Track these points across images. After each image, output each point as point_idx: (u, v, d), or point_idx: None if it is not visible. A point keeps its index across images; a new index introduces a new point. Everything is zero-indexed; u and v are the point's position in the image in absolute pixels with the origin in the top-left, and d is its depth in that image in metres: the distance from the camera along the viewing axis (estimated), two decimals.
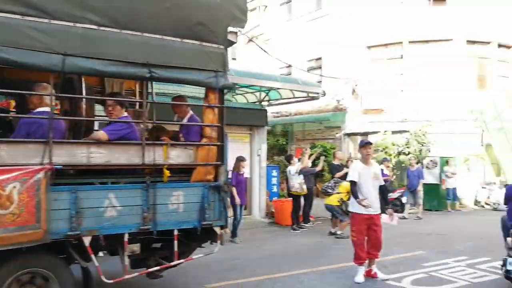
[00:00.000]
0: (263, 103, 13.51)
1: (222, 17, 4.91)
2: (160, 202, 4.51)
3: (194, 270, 6.75)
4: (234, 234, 9.35)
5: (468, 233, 10.48)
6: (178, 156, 4.75)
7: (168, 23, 4.59)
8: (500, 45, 17.83)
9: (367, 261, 6.43)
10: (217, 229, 4.91)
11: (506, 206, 6.81)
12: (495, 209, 15.03)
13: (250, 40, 19.97)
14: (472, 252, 8.17)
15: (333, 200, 10.00)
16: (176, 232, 4.66)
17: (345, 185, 9.63)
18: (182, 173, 4.85)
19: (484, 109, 16.19)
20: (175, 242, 4.68)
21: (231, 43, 5.07)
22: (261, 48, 18.22)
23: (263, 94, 13.11)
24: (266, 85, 11.74)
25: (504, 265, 5.76)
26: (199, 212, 4.73)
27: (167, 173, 4.58)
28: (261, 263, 7.38)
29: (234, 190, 9.31)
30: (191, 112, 5.47)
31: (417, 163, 14.78)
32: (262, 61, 22.18)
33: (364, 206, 6.16)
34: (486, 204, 15.91)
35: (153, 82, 5.67)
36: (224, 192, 4.92)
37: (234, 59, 17.55)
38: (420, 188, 13.52)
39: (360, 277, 6.23)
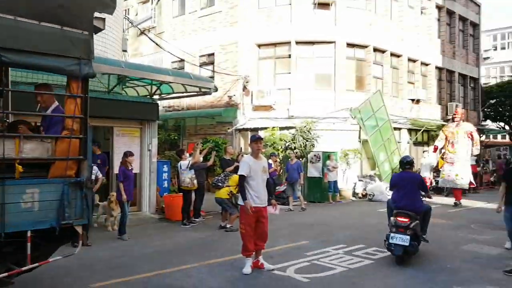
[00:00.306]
0: (154, 96, 13.29)
1: (86, 0, 4.65)
2: (10, 200, 4.15)
3: (77, 269, 6.50)
4: (122, 231, 9.12)
5: (346, 223, 11.33)
6: (33, 149, 4.41)
7: (23, 3, 4.21)
8: (375, 49, 19.49)
9: (254, 253, 6.68)
10: (79, 229, 4.63)
11: (391, 191, 8.16)
12: (370, 200, 16.48)
13: (142, 33, 19.47)
14: (349, 241, 8.85)
15: (223, 193, 10.23)
16: (29, 234, 4.33)
17: (235, 178, 9.89)
18: (40, 168, 4.52)
19: (361, 108, 17.56)
20: (28, 244, 4.34)
21: (98, 29, 4.81)
22: (153, 41, 17.94)
23: (154, 88, 12.90)
24: (158, 78, 11.56)
25: (387, 239, 7.17)
26: (57, 211, 4.44)
27: (19, 168, 4.23)
28: (150, 259, 7.32)
29: (121, 186, 9.10)
30: (56, 103, 5.06)
31: (301, 157, 15.63)
32: (155, 55, 21.83)
33: (247, 209, 6.39)
34: (363, 195, 17.34)
35: (16, 70, 5.12)
36: (87, 188, 4.68)
37: (124, 51, 16.92)
38: (301, 181, 14.18)
39: (247, 269, 6.46)
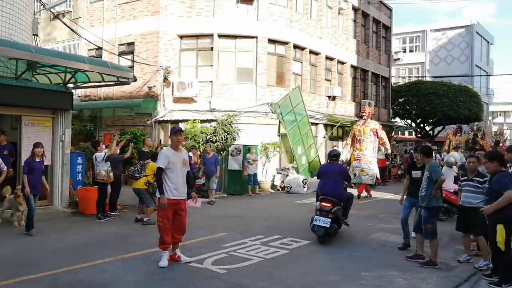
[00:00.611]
0: (68, 85, 12.64)
1: None
2: None
3: None
4: (29, 226, 8.59)
5: (264, 214, 11.58)
6: None
7: None
8: (295, 46, 20.03)
9: (171, 246, 6.64)
10: None
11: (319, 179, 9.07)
12: (288, 192, 16.97)
13: (56, 17, 18.39)
14: (266, 231, 9.06)
15: (140, 183, 10.08)
16: None
17: (151, 166, 9.81)
18: None
19: (281, 103, 17.99)
20: None
21: None
22: (68, 27, 17.04)
23: (68, 76, 12.24)
24: (73, 66, 10.97)
25: (312, 221, 8.18)
26: None
27: None
28: (61, 255, 7.01)
29: (25, 178, 8.56)
30: None
31: (222, 150, 15.71)
32: (70, 42, 20.73)
33: (162, 203, 6.36)
34: (281, 187, 17.82)
35: None
36: None
37: (35, 35, 15.85)
38: (217, 175, 14.19)
39: (164, 262, 6.41)
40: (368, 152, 15.99)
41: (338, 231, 8.61)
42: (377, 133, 16.11)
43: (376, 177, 16.79)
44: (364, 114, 16.64)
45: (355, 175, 15.83)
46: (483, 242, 6.74)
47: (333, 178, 8.59)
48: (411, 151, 25.82)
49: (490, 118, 49.40)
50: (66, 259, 6.73)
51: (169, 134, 6.91)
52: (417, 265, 6.85)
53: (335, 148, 14.26)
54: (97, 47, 18.97)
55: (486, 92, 43.60)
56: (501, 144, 19.06)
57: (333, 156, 9.08)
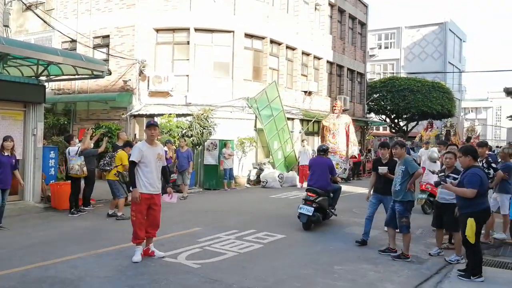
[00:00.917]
0: (41, 78, 12.38)
1: None
2: None
3: None
4: None
5: (239, 209, 11.61)
6: None
7: None
8: (272, 41, 20.07)
9: (145, 241, 6.61)
10: None
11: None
12: (263, 187, 17.05)
13: (28, 8, 17.97)
14: (241, 226, 9.10)
15: (111, 174, 10.06)
16: None
17: (119, 156, 9.88)
18: None
19: (258, 97, 18.02)
20: None
21: None
22: (41, 18, 16.68)
23: (41, 68, 12.00)
24: (45, 58, 10.79)
25: (299, 209, 8.94)
26: None
27: None
28: (32, 251, 6.88)
29: None
30: None
31: (198, 145, 15.64)
32: (43, 34, 20.29)
33: (135, 197, 6.34)
34: (257, 182, 17.89)
35: None
36: None
37: (6, 26, 15.49)
38: (190, 170, 14.05)
39: (137, 257, 6.37)
40: (342, 146, 16.15)
41: (322, 220, 9.28)
42: (348, 128, 16.34)
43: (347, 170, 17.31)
44: (335, 108, 16.67)
45: None
46: (459, 238, 6.89)
47: (320, 171, 9.36)
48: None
49: (462, 114, 50.52)
50: (37, 255, 6.63)
51: (144, 128, 6.82)
52: (389, 259, 6.99)
53: (324, 143, 15.02)
54: (71, 40, 18.63)
55: (458, 88, 44.57)
56: (472, 140, 19.49)
57: (322, 151, 9.88)
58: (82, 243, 7.42)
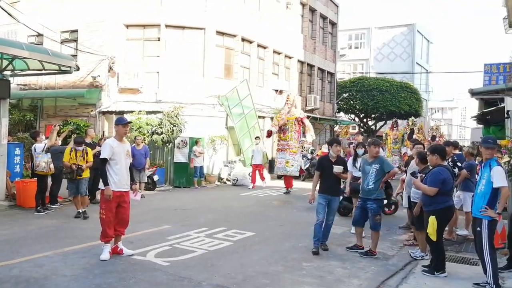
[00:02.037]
0: (5, 72, 12.04)
1: None
2: None
3: None
4: None
5: (210, 207, 11.59)
6: None
7: None
8: (243, 39, 20.09)
9: (113, 239, 6.54)
10: None
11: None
12: (234, 185, 17.08)
13: None
14: (211, 224, 9.10)
15: None
16: None
17: (67, 152, 9.81)
18: None
19: (229, 95, 18.02)
20: None
21: None
22: (5, 10, 16.13)
23: (5, 62, 11.67)
24: (9, 52, 10.48)
25: None
26: None
27: None
28: None
29: None
30: None
31: (168, 142, 15.51)
32: (8, 27, 19.67)
33: (107, 194, 6.30)
34: (228, 180, 17.90)
35: None
36: None
37: None
38: (147, 167, 13.70)
39: (106, 255, 6.30)
40: (293, 142, 15.01)
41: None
42: (302, 122, 15.16)
43: (301, 168, 16.64)
44: (287, 102, 15.45)
45: (278, 168, 15.07)
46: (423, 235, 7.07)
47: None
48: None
49: (429, 114, 51.80)
50: (1, 253, 6.45)
51: (115, 124, 6.75)
52: (357, 255, 7.12)
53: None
54: (37, 34, 18.16)
55: (425, 89, 45.69)
56: (437, 139, 20.01)
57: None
58: (48, 242, 7.28)
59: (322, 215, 7.23)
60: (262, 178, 16.59)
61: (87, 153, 10.02)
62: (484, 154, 5.84)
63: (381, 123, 34.93)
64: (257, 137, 17.24)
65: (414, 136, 18.97)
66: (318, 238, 7.22)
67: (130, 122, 6.74)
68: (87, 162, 9.95)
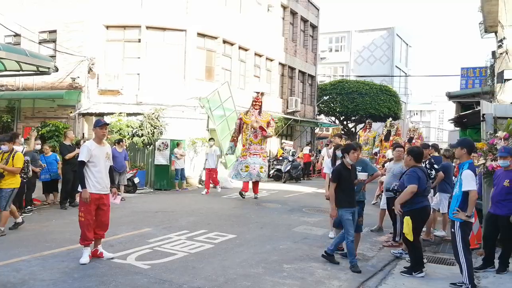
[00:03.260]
0: None
1: None
2: None
3: None
4: None
5: (191, 209, 11.54)
6: None
7: None
8: (224, 41, 20.10)
9: (93, 242, 6.48)
10: None
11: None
12: (215, 187, 16.99)
13: None
14: (192, 226, 9.08)
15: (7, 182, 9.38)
16: None
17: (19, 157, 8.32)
18: None
19: (210, 97, 17.99)
20: None
21: None
22: None
23: None
24: None
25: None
26: None
27: None
28: None
29: None
30: None
31: (149, 144, 15.38)
32: None
33: (85, 197, 6.24)
34: None
35: None
36: None
37: None
38: (128, 169, 13.52)
39: (85, 258, 6.23)
40: (264, 146, 14.25)
41: None
42: (269, 124, 14.15)
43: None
44: (256, 103, 14.19)
45: (250, 174, 13.77)
46: None
47: None
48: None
49: (407, 116, 52.56)
50: None
51: (93, 127, 6.70)
52: (337, 257, 7.19)
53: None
54: (14, 34, 17.85)
55: (404, 92, 46.34)
56: (414, 141, 20.28)
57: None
58: (26, 246, 7.15)
59: (353, 229, 6.69)
60: (216, 183, 15.55)
61: (13, 157, 8.15)
62: (458, 156, 6.03)
63: (361, 125, 35.30)
64: (211, 139, 16.09)
65: (391, 138, 19.14)
66: (355, 255, 6.72)
67: (107, 124, 6.69)
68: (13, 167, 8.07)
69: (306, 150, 24.17)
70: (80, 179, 6.39)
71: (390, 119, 21.49)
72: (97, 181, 6.39)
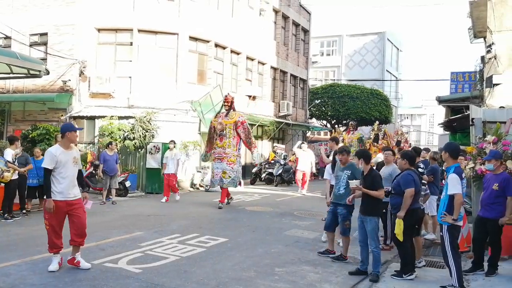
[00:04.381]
0: None
1: None
2: None
3: None
4: None
5: (182, 213, 11.53)
6: None
7: None
8: (217, 45, 20.12)
9: (72, 248, 6.25)
10: None
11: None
12: (207, 191, 17.01)
13: None
14: (184, 230, 9.07)
15: None
16: None
17: None
18: None
19: (202, 101, 17.97)
20: None
21: None
22: None
23: None
24: None
25: None
26: None
27: None
28: None
29: None
30: None
31: (140, 148, 15.33)
32: None
33: (48, 207, 5.96)
34: (200, 186, 17.83)
35: None
36: None
37: None
38: (119, 173, 13.39)
39: (54, 265, 6.03)
40: (231, 150, 12.88)
41: None
42: (242, 125, 13.05)
43: (239, 180, 13.86)
44: (226, 104, 13.25)
45: (213, 178, 13.15)
46: (419, 242, 7.22)
47: None
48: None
49: (398, 120, 52.89)
50: None
51: (65, 131, 6.28)
52: (328, 260, 7.24)
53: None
54: (5, 36, 17.76)
55: (395, 96, 46.66)
56: (402, 145, 20.34)
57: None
58: (16, 250, 7.11)
59: (360, 236, 6.71)
60: (175, 190, 14.19)
61: None
62: (444, 160, 6.13)
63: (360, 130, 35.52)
64: (171, 141, 14.72)
65: (380, 141, 19.19)
66: (362, 261, 6.68)
67: (79, 129, 6.58)
68: None
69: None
70: (45, 187, 6.09)
71: (377, 122, 21.51)
72: (64, 187, 6.08)
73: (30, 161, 10.71)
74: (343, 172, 7.32)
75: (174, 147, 14.46)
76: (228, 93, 14.25)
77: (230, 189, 13.30)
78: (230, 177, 12.72)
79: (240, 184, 14.07)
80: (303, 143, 19.91)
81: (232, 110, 13.25)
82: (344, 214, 7.18)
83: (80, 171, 6.46)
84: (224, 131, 12.88)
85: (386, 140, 19.82)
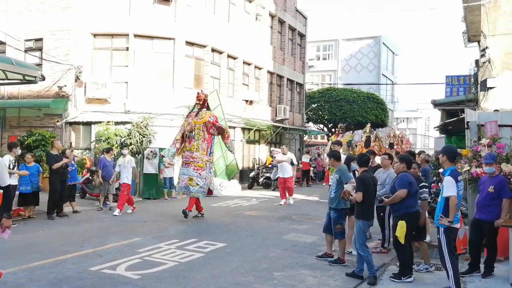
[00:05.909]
0: None
1: None
2: None
3: None
4: None
5: (180, 218, 11.42)
6: None
7: None
8: (213, 50, 20.16)
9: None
10: None
11: None
12: (205, 196, 16.93)
13: None
14: (182, 235, 9.06)
15: None
16: None
17: None
18: None
19: None
20: None
21: None
22: None
23: None
24: None
25: None
26: None
27: None
28: None
29: None
30: None
31: (137, 153, 15.31)
32: None
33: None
34: None
35: None
36: None
37: None
38: (113, 179, 13.27)
39: None
40: (199, 154, 11.34)
41: None
42: (213, 126, 11.42)
43: (210, 188, 11.85)
44: (197, 102, 11.80)
45: (179, 187, 11.77)
46: (425, 247, 7.24)
47: None
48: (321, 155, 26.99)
49: (394, 124, 53.05)
50: None
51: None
52: (326, 264, 7.24)
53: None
54: (0, 42, 17.74)
55: (391, 99, 46.83)
56: (395, 147, 20.36)
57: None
58: (13, 257, 7.07)
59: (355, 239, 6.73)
60: (130, 203, 12.52)
61: None
62: (441, 163, 6.20)
63: (349, 133, 35.54)
64: (124, 147, 13.66)
65: (372, 144, 19.20)
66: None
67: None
68: None
69: (306, 158, 24.32)
70: None
71: (369, 124, 21.53)
72: None
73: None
74: (333, 176, 7.49)
75: (128, 153, 13.25)
76: (202, 90, 13.00)
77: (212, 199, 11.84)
78: (197, 184, 11.17)
79: (210, 193, 12.07)
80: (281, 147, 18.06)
81: (204, 108, 11.76)
82: (335, 218, 7.24)
83: (7, 189, 5.24)
84: (193, 132, 11.43)
85: (377, 142, 19.82)
